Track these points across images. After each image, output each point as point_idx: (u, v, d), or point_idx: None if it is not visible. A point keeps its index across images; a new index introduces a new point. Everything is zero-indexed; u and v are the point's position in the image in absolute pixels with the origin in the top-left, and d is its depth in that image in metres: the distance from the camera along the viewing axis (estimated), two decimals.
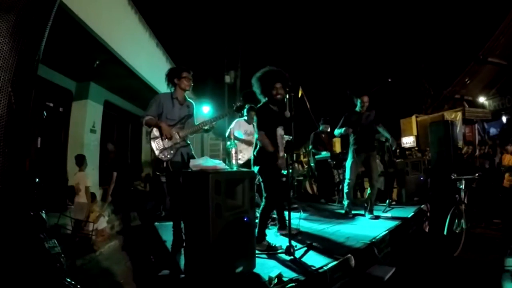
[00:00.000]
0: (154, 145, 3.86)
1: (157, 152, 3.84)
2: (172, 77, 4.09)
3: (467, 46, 14.16)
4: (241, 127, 5.85)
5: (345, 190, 5.85)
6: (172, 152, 3.88)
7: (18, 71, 1.19)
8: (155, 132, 3.87)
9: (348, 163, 5.83)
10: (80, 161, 6.44)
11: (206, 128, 4.14)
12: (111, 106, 10.62)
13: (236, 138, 5.77)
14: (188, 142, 4.12)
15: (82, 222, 5.49)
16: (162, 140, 3.87)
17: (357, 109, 5.88)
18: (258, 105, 4.15)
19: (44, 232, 3.32)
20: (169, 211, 4.12)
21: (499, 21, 12.26)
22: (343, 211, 5.98)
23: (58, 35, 5.85)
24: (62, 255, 3.12)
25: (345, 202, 5.88)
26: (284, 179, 4.08)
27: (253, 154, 4.14)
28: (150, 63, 9.94)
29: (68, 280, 2.93)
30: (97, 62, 7.63)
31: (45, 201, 6.33)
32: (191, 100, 4.29)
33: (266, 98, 4.08)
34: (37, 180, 4.54)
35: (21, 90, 1.20)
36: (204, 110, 11.90)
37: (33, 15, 1.28)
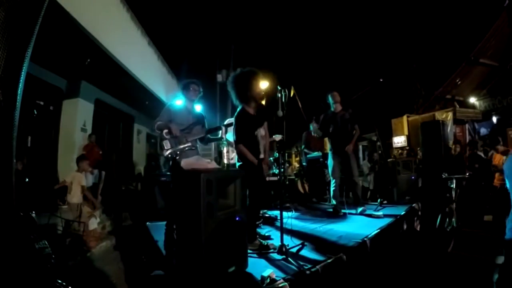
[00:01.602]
0: (163, 145, 4.06)
1: (165, 152, 4.03)
2: (183, 89, 4.41)
3: (458, 47, 14.24)
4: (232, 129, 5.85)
5: (332, 190, 5.96)
6: (178, 153, 4.03)
7: (7, 68, 1.16)
8: (165, 134, 4.05)
9: (330, 164, 5.96)
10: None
11: (215, 137, 4.52)
12: (102, 105, 10.54)
13: (228, 141, 5.77)
14: (197, 146, 4.33)
15: (73, 222, 5.44)
16: (170, 141, 4.05)
17: (332, 108, 6.07)
18: (236, 113, 4.11)
19: (35, 233, 3.28)
20: (165, 210, 4.30)
21: (491, 23, 12.35)
22: (331, 209, 6.03)
23: (49, 33, 5.79)
24: (53, 256, 3.09)
25: (333, 202, 5.95)
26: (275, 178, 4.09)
27: (236, 162, 4.19)
28: (141, 61, 9.89)
29: (59, 281, 2.90)
30: (88, 60, 7.57)
31: (35, 201, 6.28)
32: (200, 112, 4.65)
33: (243, 104, 4.06)
34: (26, 180, 4.51)
35: (10, 87, 1.18)
36: (196, 108, 11.86)
37: (23, 11, 1.25)
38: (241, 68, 4.09)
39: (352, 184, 5.94)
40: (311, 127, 8.21)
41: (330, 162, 5.96)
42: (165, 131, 4.04)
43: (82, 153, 6.89)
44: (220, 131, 4.52)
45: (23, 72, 1.23)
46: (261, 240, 3.84)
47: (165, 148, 4.03)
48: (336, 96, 6.03)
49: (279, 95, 4.05)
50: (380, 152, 8.33)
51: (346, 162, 5.89)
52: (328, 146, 6.03)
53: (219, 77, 13.72)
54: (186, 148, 4.09)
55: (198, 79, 4.48)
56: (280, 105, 4.01)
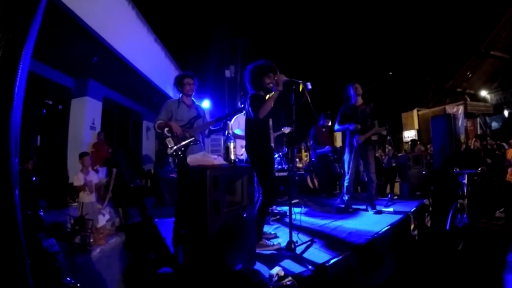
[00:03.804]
0: (166, 143, 4.11)
1: (169, 150, 4.08)
2: (176, 84, 4.42)
3: (469, 40, 14.03)
4: (240, 125, 5.80)
5: (346, 184, 5.81)
6: (183, 149, 4.10)
7: (2, 68, 1.14)
8: (167, 132, 4.12)
9: (346, 158, 5.79)
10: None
11: (216, 128, 4.55)
12: (111, 103, 10.60)
13: (236, 135, 5.74)
14: (199, 139, 4.36)
15: (81, 220, 5.45)
16: (173, 138, 4.11)
17: (353, 101, 5.85)
18: (250, 95, 3.95)
19: (42, 231, 3.30)
20: (173, 207, 4.38)
21: (501, 14, 12.16)
22: (343, 206, 5.93)
23: (55, 32, 5.82)
24: (61, 254, 3.10)
25: (345, 197, 5.83)
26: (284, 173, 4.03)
27: (246, 145, 4.05)
28: (148, 58, 9.90)
29: (68, 279, 2.91)
30: (95, 59, 7.59)
31: (44, 199, 6.33)
32: (200, 105, 4.67)
33: (255, 91, 3.95)
34: (34, 178, 4.53)
35: (5, 88, 1.15)
36: (204, 104, 11.88)
37: (19, 8, 1.23)
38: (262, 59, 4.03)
39: (368, 180, 5.81)
40: (322, 122, 8.13)
41: (346, 157, 5.79)
42: (166, 129, 4.10)
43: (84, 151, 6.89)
44: (223, 123, 4.52)
45: (19, 71, 1.19)
46: (267, 241, 3.77)
47: (169, 146, 4.07)
48: (359, 89, 5.83)
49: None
50: (390, 147, 8.28)
51: (364, 157, 5.77)
52: (345, 140, 5.86)
53: (227, 73, 13.73)
54: (191, 143, 4.15)
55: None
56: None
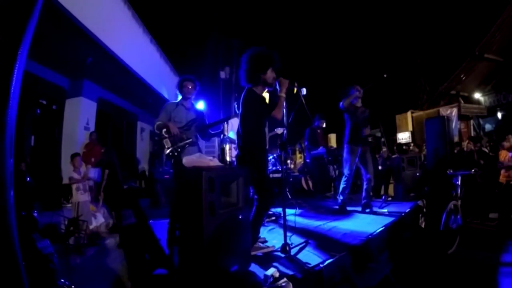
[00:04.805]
0: (164, 144, 4.18)
1: (166, 151, 4.16)
2: (178, 87, 4.55)
3: (463, 42, 14.13)
4: (233, 127, 5.83)
5: (342, 185, 5.82)
6: (179, 150, 4.16)
7: None
8: (164, 133, 4.19)
9: (347, 159, 5.80)
10: None
11: (216, 131, 4.68)
12: (105, 103, 10.54)
13: (230, 139, 5.76)
14: (196, 141, 4.45)
15: (76, 221, 5.42)
16: (170, 139, 4.17)
17: (353, 102, 5.88)
18: (246, 92, 3.62)
19: (36, 232, 3.28)
20: (168, 208, 4.42)
21: (496, 17, 12.25)
22: (337, 207, 5.94)
23: (50, 32, 5.79)
24: (55, 255, 3.08)
25: (340, 198, 5.84)
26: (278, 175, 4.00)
27: (241, 151, 3.66)
28: (143, 59, 9.89)
29: (62, 280, 2.89)
30: (90, 59, 7.57)
31: (38, 200, 6.29)
32: (200, 109, 4.85)
33: (251, 84, 3.63)
34: (28, 179, 4.51)
35: (1, 88, 1.15)
36: (199, 106, 11.84)
37: (16, 8, 1.22)
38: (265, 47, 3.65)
39: (366, 180, 5.83)
40: (316, 123, 8.14)
41: (346, 156, 5.79)
42: (164, 130, 4.16)
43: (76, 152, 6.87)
44: (222, 127, 4.57)
45: (15, 71, 1.19)
46: (260, 244, 3.74)
47: (166, 146, 4.13)
48: (361, 91, 5.91)
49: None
50: (385, 148, 8.32)
51: (363, 157, 5.79)
52: (345, 140, 5.89)
53: (222, 74, 13.71)
54: (187, 145, 4.20)
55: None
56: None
